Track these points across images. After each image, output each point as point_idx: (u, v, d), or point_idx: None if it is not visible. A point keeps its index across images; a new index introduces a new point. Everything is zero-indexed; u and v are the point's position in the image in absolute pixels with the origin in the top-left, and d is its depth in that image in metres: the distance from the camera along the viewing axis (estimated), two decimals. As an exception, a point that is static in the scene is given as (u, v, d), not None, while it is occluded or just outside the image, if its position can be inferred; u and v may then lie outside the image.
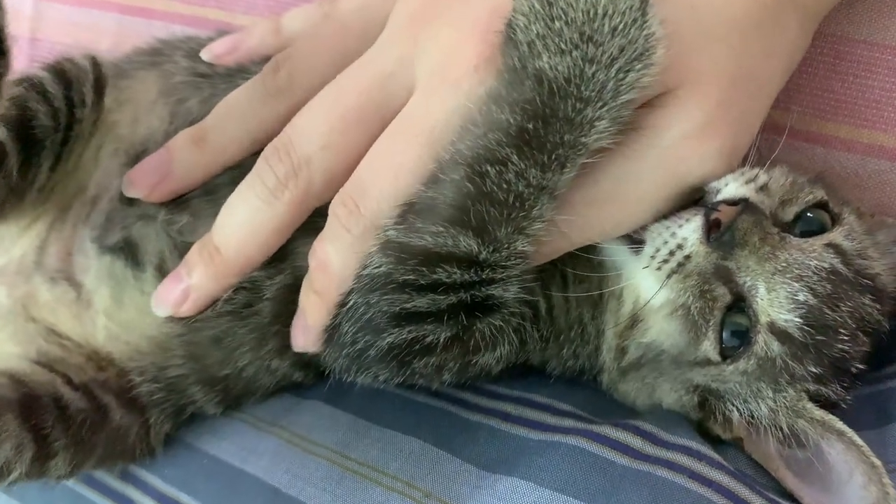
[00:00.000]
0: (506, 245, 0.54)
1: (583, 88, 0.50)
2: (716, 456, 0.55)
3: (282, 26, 0.72)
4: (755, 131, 0.60)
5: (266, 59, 0.67)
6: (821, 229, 0.61)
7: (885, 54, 0.70)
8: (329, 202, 0.58)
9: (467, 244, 0.53)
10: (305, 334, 0.61)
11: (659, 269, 0.60)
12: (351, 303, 0.57)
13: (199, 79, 0.71)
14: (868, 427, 0.59)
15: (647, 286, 0.61)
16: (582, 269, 0.63)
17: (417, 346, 0.57)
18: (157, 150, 0.66)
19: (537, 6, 0.51)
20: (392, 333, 0.56)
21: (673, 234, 0.59)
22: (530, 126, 0.51)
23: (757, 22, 0.57)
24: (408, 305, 0.55)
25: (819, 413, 0.57)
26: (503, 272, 0.55)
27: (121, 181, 0.66)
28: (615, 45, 0.50)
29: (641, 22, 0.50)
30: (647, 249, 0.60)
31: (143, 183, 0.65)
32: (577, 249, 0.60)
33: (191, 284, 0.63)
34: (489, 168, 0.52)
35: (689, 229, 0.59)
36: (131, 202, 0.67)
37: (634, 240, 0.61)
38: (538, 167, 0.52)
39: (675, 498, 0.52)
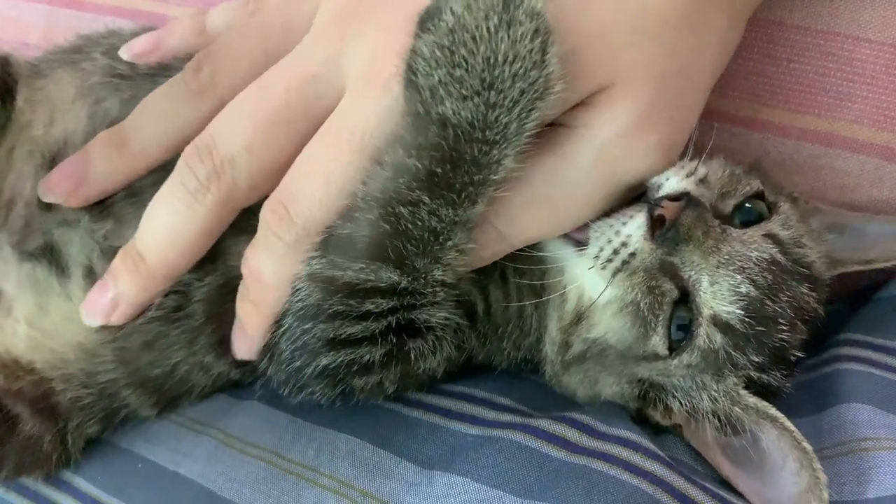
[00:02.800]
0: (423, 274, 0.54)
1: (487, 133, 0.51)
2: (651, 446, 0.55)
3: (206, 24, 0.70)
4: (692, 125, 0.60)
5: (191, 57, 0.65)
6: (758, 219, 0.62)
7: (817, 39, 0.70)
8: (254, 205, 0.57)
9: (389, 277, 0.54)
10: (247, 343, 0.60)
11: (604, 268, 0.60)
12: (286, 325, 0.57)
13: (117, 79, 0.69)
14: (804, 414, 0.60)
15: (592, 285, 0.61)
16: (523, 266, 0.63)
17: (355, 367, 0.57)
18: (75, 154, 0.64)
19: (438, 53, 0.50)
20: (328, 356, 0.57)
21: (617, 233, 0.59)
22: (439, 170, 0.51)
23: (685, 17, 0.56)
24: (341, 332, 0.56)
25: (753, 400, 0.58)
26: (423, 298, 0.56)
27: (35, 185, 0.64)
28: (516, 90, 0.50)
29: (541, 64, 0.50)
30: (591, 249, 0.60)
31: (60, 189, 0.63)
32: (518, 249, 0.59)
33: (118, 294, 0.61)
34: (402, 209, 0.52)
35: (633, 227, 0.59)
36: (50, 207, 0.65)
37: (578, 240, 0.61)
38: (450, 206, 0.52)
39: (609, 490, 0.51)
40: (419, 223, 0.52)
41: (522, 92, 0.50)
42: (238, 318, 0.60)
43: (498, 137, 0.51)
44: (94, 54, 0.71)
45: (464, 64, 0.50)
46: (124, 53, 0.69)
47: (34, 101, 0.69)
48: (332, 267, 0.54)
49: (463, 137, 0.51)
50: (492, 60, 0.50)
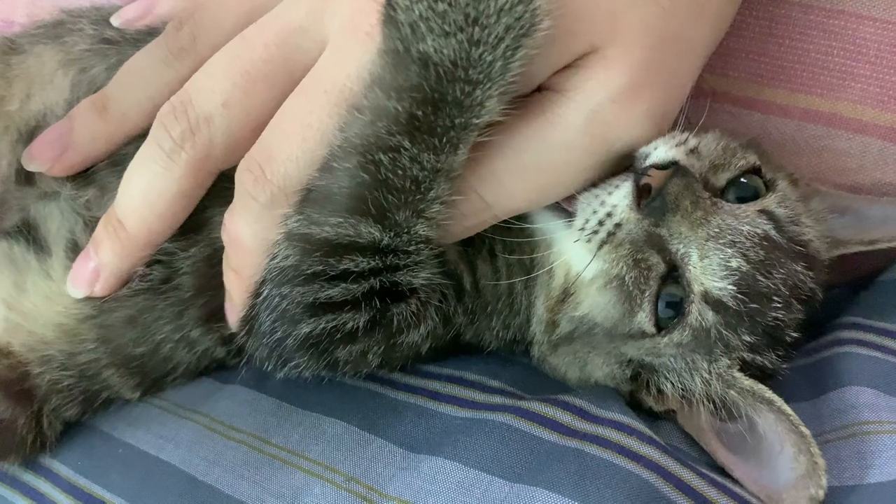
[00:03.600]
0: (406, 229, 0.53)
1: (470, 72, 0.48)
2: (646, 430, 0.54)
3: None
4: (685, 94, 0.58)
5: None
6: (754, 196, 0.60)
7: (819, 17, 0.69)
8: (235, 170, 0.55)
9: (369, 232, 0.52)
10: (236, 314, 0.59)
11: (589, 240, 0.58)
12: (265, 293, 0.55)
13: (105, 45, 0.67)
14: (802, 398, 0.59)
15: (578, 259, 0.59)
16: (512, 240, 0.61)
17: (338, 335, 0.55)
18: (58, 122, 0.62)
19: None
20: (309, 323, 0.55)
21: (602, 203, 0.57)
22: (419, 112, 0.49)
23: None
24: (321, 295, 0.54)
25: (749, 382, 0.56)
26: (407, 258, 0.54)
27: (11, 161, 0.63)
28: (501, 25, 0.48)
29: None
30: (577, 221, 0.59)
31: (44, 156, 0.62)
32: (505, 220, 0.57)
33: (99, 262, 0.60)
34: (382, 156, 0.50)
35: (619, 196, 0.57)
36: (29, 180, 0.63)
37: (566, 211, 0.59)
38: (431, 151, 0.50)
39: (603, 474, 0.50)
40: (400, 171, 0.50)
41: (508, 28, 0.48)
42: (227, 289, 0.59)
43: (482, 77, 0.49)
44: (80, 24, 0.70)
45: None
46: (115, 20, 0.68)
47: (9, 77, 0.68)
48: (310, 223, 0.52)
49: (445, 77, 0.49)
50: None
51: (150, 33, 0.66)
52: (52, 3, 0.89)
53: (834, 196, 0.68)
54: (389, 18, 0.49)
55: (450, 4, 0.48)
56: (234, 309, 0.59)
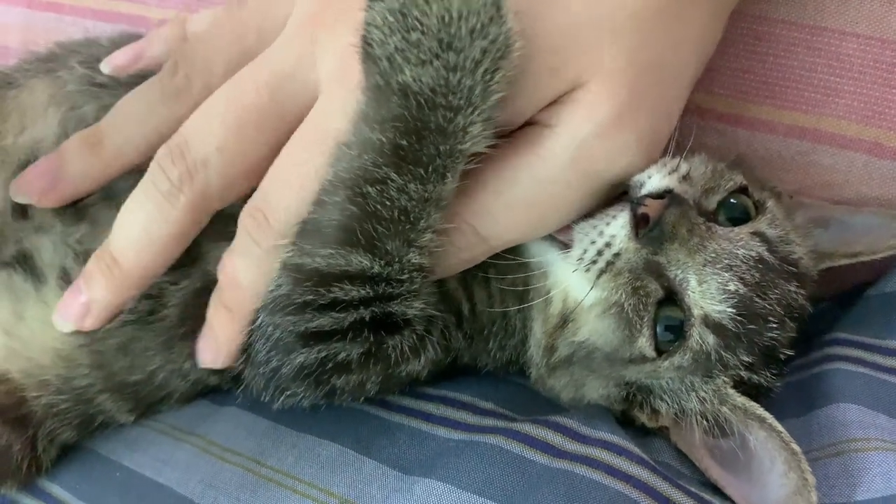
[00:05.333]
0: (397, 258, 0.53)
1: (450, 97, 0.49)
2: (636, 450, 0.54)
3: (187, 30, 0.69)
4: (674, 120, 0.59)
5: None
6: (743, 215, 0.61)
7: (803, 33, 0.69)
8: (235, 211, 0.56)
9: (359, 261, 0.53)
10: (214, 350, 0.59)
11: (588, 270, 0.59)
12: (259, 321, 0.56)
13: (96, 88, 0.68)
14: (793, 415, 0.59)
15: (577, 287, 0.60)
16: (507, 268, 0.62)
17: (331, 365, 0.56)
18: (49, 154, 0.63)
19: (390, 18, 0.49)
20: (302, 353, 0.56)
21: (600, 233, 0.58)
22: (404, 142, 0.50)
23: (657, 11, 0.55)
24: (311, 325, 0.55)
25: (741, 400, 0.57)
26: (400, 286, 0.54)
27: (6, 196, 0.63)
28: (476, 49, 0.48)
29: (498, 18, 0.48)
30: (575, 252, 0.59)
31: (32, 188, 0.62)
32: (501, 252, 0.58)
33: (91, 298, 0.60)
34: (369, 188, 0.51)
35: (617, 226, 0.57)
36: (24, 215, 0.64)
37: (562, 242, 0.60)
38: (418, 181, 0.51)
39: (591, 495, 0.50)
40: (388, 203, 0.51)
41: (484, 51, 0.48)
42: (208, 324, 0.59)
43: (462, 102, 0.49)
44: (71, 63, 0.70)
45: (418, 26, 0.48)
46: (105, 67, 0.68)
47: (5, 111, 0.68)
48: (302, 254, 0.53)
49: (426, 105, 0.49)
50: (446, 18, 0.48)
51: (144, 77, 0.66)
52: (45, 28, 0.90)
53: (816, 207, 0.69)
54: (367, 55, 0.50)
55: (422, 32, 0.48)
56: (213, 346, 0.59)
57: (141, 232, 0.58)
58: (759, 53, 0.71)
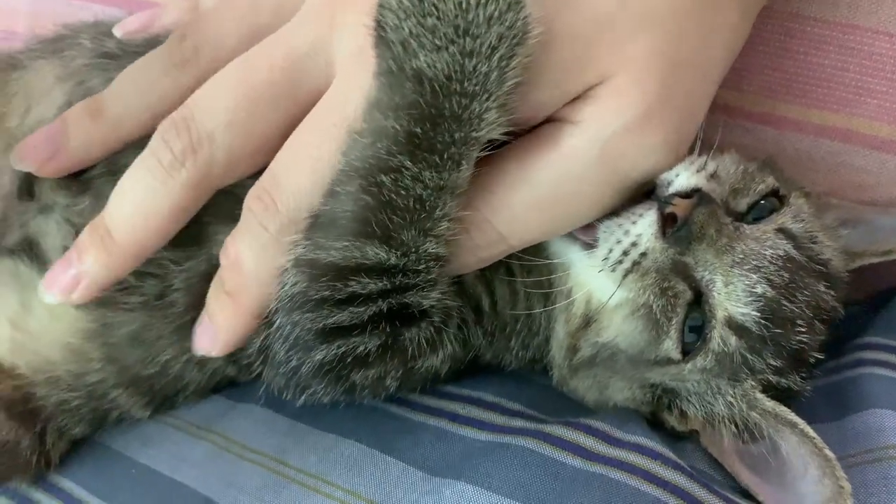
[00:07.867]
0: (413, 248, 0.52)
1: (465, 84, 0.48)
2: (671, 454, 0.53)
3: (200, 2, 0.67)
4: (701, 117, 0.58)
5: None
6: (770, 212, 0.60)
7: (834, 31, 0.68)
8: (240, 187, 0.55)
9: (375, 253, 0.51)
10: (212, 337, 0.57)
11: (613, 270, 0.58)
12: (277, 323, 0.55)
13: (105, 60, 0.66)
14: (826, 420, 0.58)
15: (602, 287, 0.59)
16: (531, 267, 0.61)
17: (350, 360, 0.55)
18: (50, 123, 0.61)
19: (406, 2, 0.47)
20: (321, 350, 0.54)
21: (626, 232, 0.57)
22: (418, 130, 0.49)
23: (692, 7, 0.54)
24: (330, 321, 0.53)
25: (771, 404, 0.56)
26: (417, 277, 0.53)
27: (13, 177, 0.61)
28: (493, 34, 0.47)
29: (516, 5, 0.47)
30: (600, 251, 0.58)
31: (34, 156, 0.60)
32: (522, 251, 0.57)
33: (81, 270, 0.57)
34: (384, 177, 0.50)
35: (644, 225, 0.56)
36: (30, 195, 0.62)
37: (586, 242, 0.59)
38: (433, 168, 0.50)
39: (628, 501, 0.49)
40: (403, 192, 0.50)
41: (500, 37, 0.47)
42: (207, 309, 0.57)
43: (478, 89, 0.48)
44: (80, 39, 0.68)
45: (434, 11, 0.47)
46: (117, 31, 0.66)
47: (9, 93, 0.66)
48: (316, 248, 0.52)
49: (441, 92, 0.48)
50: (464, 4, 0.47)
51: (150, 46, 0.64)
52: (53, 12, 0.88)
53: (845, 208, 0.68)
54: (381, 39, 0.48)
55: (439, 18, 0.47)
56: (211, 332, 0.57)
57: (138, 205, 0.56)
58: (790, 51, 0.70)
